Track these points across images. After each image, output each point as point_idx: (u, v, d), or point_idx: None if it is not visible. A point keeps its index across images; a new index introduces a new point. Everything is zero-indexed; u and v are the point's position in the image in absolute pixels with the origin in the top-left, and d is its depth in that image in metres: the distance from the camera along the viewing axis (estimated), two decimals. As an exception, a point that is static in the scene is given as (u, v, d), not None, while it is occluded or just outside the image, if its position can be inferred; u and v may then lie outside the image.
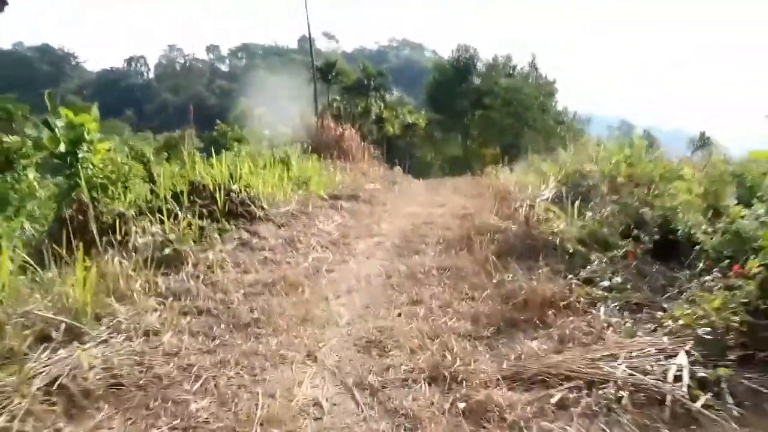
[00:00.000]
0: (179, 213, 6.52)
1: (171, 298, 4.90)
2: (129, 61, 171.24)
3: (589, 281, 5.11)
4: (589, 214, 6.10)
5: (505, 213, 7.23)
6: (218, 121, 35.11)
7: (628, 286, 4.91)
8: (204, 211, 6.77)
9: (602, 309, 4.58)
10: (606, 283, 5.00)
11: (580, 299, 4.72)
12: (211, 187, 7.41)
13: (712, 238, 4.95)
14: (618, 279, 5.02)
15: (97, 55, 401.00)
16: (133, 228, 5.75)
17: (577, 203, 6.43)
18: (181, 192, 7.32)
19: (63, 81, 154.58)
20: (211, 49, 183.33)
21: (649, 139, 49.38)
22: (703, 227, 5.19)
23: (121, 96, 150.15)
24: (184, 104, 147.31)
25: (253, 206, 7.35)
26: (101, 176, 8.44)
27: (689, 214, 5.46)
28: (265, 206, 7.71)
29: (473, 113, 53.69)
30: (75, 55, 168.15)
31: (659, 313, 4.37)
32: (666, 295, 4.75)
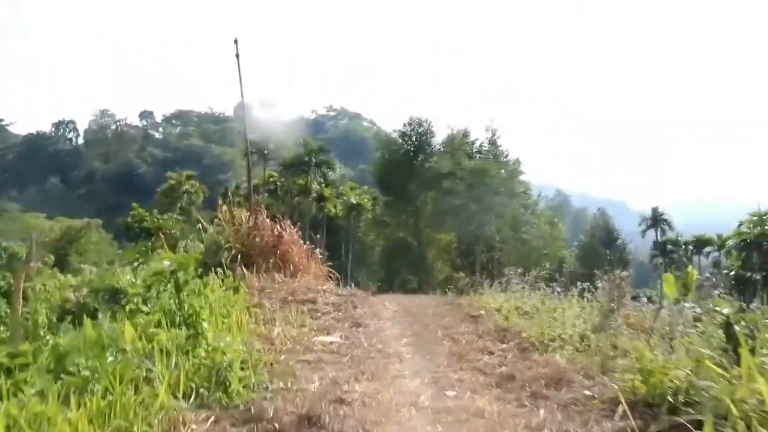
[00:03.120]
0: None
1: None
2: (57, 125, 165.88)
3: None
4: None
5: None
6: (134, 204, 30.44)
7: None
8: None
9: None
10: None
11: None
12: None
13: None
14: None
15: (25, 118, 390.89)
16: None
17: None
18: None
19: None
20: (145, 114, 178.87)
21: (605, 218, 46.39)
22: None
23: (47, 162, 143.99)
24: (114, 172, 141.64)
25: None
26: None
27: None
28: None
29: (427, 194, 48.75)
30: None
31: None
32: None
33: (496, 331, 9.99)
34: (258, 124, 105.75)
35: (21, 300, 6.77)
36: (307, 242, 18.96)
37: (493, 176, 43.67)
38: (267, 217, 17.50)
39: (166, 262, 8.55)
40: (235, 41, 20.27)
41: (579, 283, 12.87)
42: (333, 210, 51.16)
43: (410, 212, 50.20)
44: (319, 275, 16.81)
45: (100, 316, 8.34)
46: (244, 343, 7.99)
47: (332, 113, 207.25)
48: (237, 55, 20.21)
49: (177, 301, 8.31)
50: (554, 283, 13.65)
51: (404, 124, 52.44)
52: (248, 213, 17.50)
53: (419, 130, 50.80)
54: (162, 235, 36.32)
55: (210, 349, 6.87)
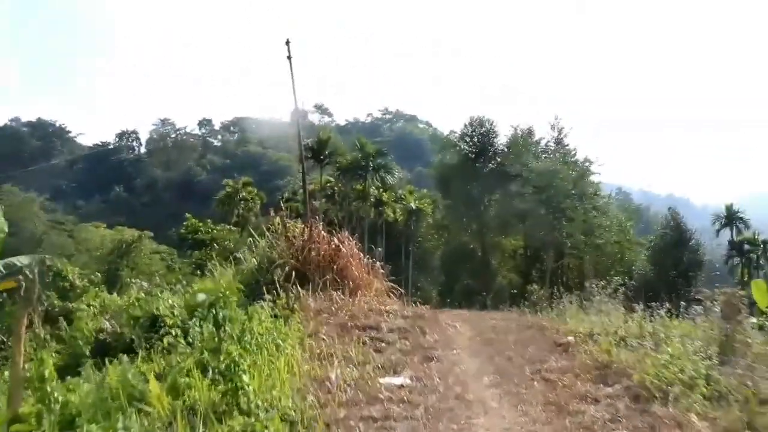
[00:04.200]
0: None
1: None
2: (121, 135, 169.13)
3: None
4: None
5: None
6: (187, 215, 29.69)
7: None
8: None
9: None
10: None
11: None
12: None
13: None
14: None
15: (92, 128, 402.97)
16: None
17: None
18: None
19: (53, 156, 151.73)
20: (204, 123, 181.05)
21: (676, 218, 42.86)
22: None
23: (112, 172, 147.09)
24: (175, 180, 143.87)
25: None
26: None
27: None
28: None
29: (490, 197, 46.23)
30: (67, 129, 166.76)
31: None
32: None
33: (596, 368, 8.30)
34: (314, 128, 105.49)
35: (22, 351, 5.50)
36: (366, 254, 17.45)
37: (563, 177, 40.72)
38: (323, 226, 16.13)
39: (201, 296, 7.25)
40: (287, 42, 19.10)
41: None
42: (392, 215, 49.62)
43: (473, 216, 47.18)
44: (381, 291, 15.31)
45: (123, 358, 7.10)
46: (295, 391, 6.62)
47: (388, 116, 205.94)
48: (289, 57, 19.04)
49: (216, 338, 6.99)
50: (653, 302, 11.86)
51: (465, 125, 49.99)
52: (303, 225, 16.16)
53: (481, 131, 48.09)
54: (216, 246, 35.67)
55: (249, 411, 5.48)
